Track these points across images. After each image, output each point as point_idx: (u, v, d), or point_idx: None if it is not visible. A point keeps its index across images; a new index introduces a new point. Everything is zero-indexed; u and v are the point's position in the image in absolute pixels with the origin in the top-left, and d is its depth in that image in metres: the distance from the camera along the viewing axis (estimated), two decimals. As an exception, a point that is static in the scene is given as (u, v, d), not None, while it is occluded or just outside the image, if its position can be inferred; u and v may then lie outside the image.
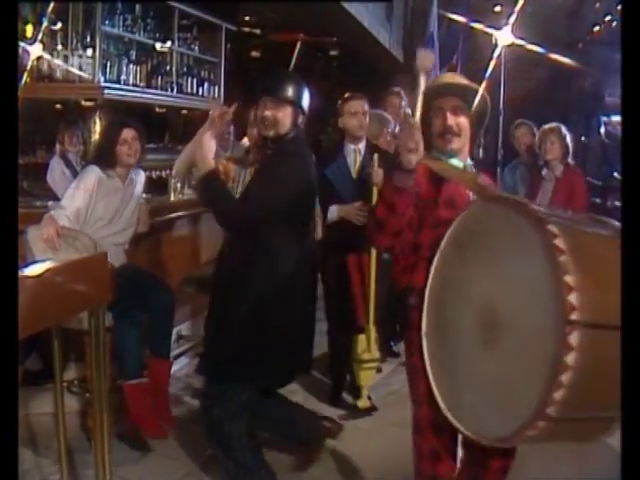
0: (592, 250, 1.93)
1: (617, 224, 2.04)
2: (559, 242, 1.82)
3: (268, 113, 2.95)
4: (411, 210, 2.33)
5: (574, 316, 1.76)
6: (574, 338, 1.76)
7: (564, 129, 4.71)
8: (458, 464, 2.53)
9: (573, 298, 1.77)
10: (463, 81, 2.60)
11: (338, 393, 4.34)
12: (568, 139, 4.70)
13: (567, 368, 1.76)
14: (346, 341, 4.20)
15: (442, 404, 2.20)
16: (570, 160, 4.78)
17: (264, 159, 3.04)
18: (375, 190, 3.76)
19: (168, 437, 3.69)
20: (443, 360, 2.24)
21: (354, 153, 4.12)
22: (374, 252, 3.99)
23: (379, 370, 4.64)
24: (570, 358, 1.75)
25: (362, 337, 4.10)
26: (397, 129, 4.53)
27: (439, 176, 2.41)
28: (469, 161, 2.60)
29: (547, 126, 4.76)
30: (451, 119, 2.49)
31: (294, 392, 4.33)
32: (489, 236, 2.13)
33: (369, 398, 4.23)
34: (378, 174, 3.77)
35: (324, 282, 4.19)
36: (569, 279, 1.78)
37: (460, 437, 2.38)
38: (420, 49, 2.55)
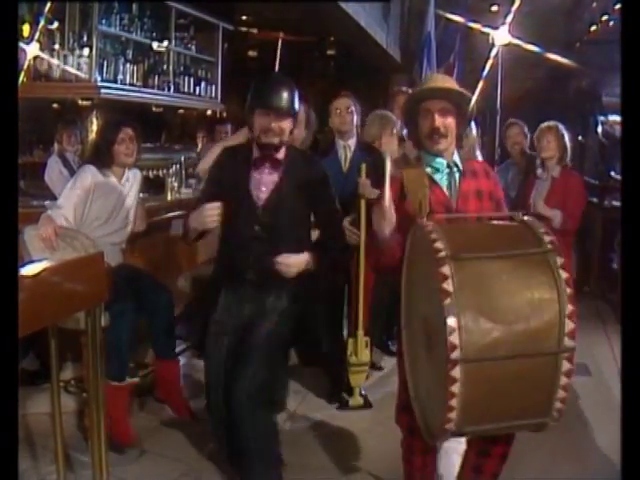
0: (487, 281, 2.11)
1: (547, 239, 2.21)
2: (447, 285, 2.05)
3: (274, 125, 2.96)
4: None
5: (454, 355, 2.01)
6: (456, 372, 2.02)
7: (562, 128, 4.61)
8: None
9: (454, 338, 2.01)
10: (450, 84, 2.72)
11: (336, 391, 4.38)
12: (566, 139, 4.59)
13: (453, 395, 2.04)
14: (340, 342, 4.34)
15: (411, 393, 2.46)
16: (568, 161, 4.65)
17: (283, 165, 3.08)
18: (363, 202, 3.90)
19: (168, 435, 3.69)
20: (411, 353, 2.48)
21: (344, 149, 4.31)
22: (363, 259, 4.04)
23: (379, 368, 4.77)
24: (454, 387, 2.04)
25: (351, 341, 4.20)
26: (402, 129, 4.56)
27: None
28: (455, 157, 2.73)
29: (545, 124, 4.66)
30: (439, 121, 2.62)
31: (297, 391, 4.36)
32: (420, 261, 2.35)
33: (363, 396, 4.30)
34: (365, 185, 3.88)
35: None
36: (451, 321, 2.01)
37: None
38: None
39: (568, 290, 2.13)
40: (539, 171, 4.71)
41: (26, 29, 5.56)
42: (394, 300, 2.65)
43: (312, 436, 3.87)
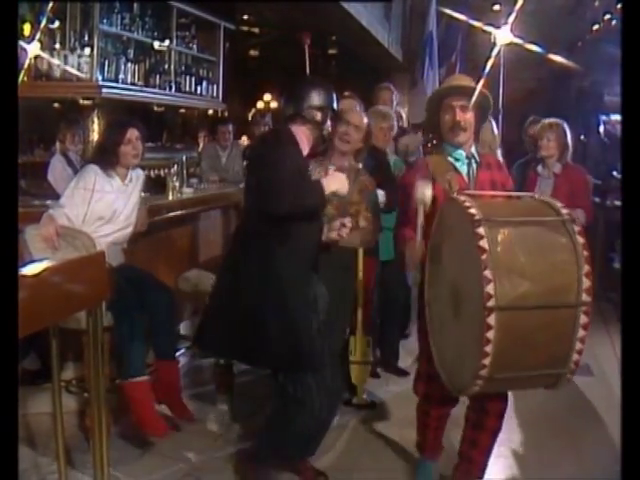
0: (517, 242, 2.41)
1: (564, 211, 2.53)
2: (483, 243, 2.35)
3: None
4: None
5: (490, 303, 2.30)
6: (491, 319, 2.30)
7: (565, 126, 4.52)
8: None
9: (490, 288, 2.30)
10: (470, 83, 3.05)
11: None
12: (568, 137, 4.52)
13: (489, 341, 2.32)
14: (340, 340, 4.30)
15: (436, 359, 2.77)
16: (569, 159, 4.60)
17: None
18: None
19: (169, 436, 3.68)
20: (436, 324, 2.80)
21: None
22: (361, 260, 4.09)
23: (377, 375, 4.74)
24: (490, 333, 2.32)
25: (352, 338, 4.26)
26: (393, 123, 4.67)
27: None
28: (473, 150, 3.07)
29: (547, 121, 4.59)
30: (460, 115, 2.97)
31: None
32: (452, 230, 2.66)
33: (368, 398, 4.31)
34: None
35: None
36: (487, 273, 2.31)
37: None
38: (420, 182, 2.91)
39: (585, 253, 2.42)
40: (539, 168, 4.65)
41: (27, 28, 5.56)
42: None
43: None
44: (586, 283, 2.39)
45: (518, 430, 3.96)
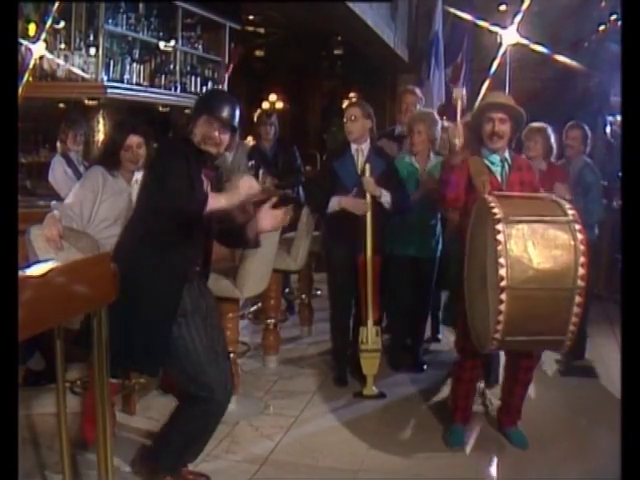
0: (527, 237, 3.07)
1: (570, 212, 3.17)
2: (499, 236, 3.05)
3: None
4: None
5: (503, 283, 3.01)
6: (503, 296, 3.01)
7: (550, 130, 4.78)
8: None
9: (502, 272, 3.01)
10: (508, 100, 3.73)
11: (343, 376, 4.64)
12: (552, 140, 4.78)
13: (500, 312, 3.04)
14: (345, 329, 4.69)
15: (469, 321, 3.47)
16: (553, 159, 4.86)
17: None
18: (368, 196, 4.35)
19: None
20: (471, 295, 3.49)
21: (357, 152, 4.53)
22: (370, 252, 4.36)
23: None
24: (502, 306, 3.03)
25: (362, 328, 4.45)
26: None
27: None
28: (506, 155, 3.71)
29: (534, 125, 4.76)
30: (498, 126, 3.62)
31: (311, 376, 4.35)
32: (482, 222, 3.31)
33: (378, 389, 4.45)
34: (369, 182, 4.33)
35: (329, 273, 4.72)
36: (501, 260, 3.02)
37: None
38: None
39: (582, 247, 3.05)
40: None
41: (32, 28, 5.57)
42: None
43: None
44: (581, 271, 3.03)
45: (525, 431, 3.94)
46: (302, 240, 4.95)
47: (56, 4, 5.50)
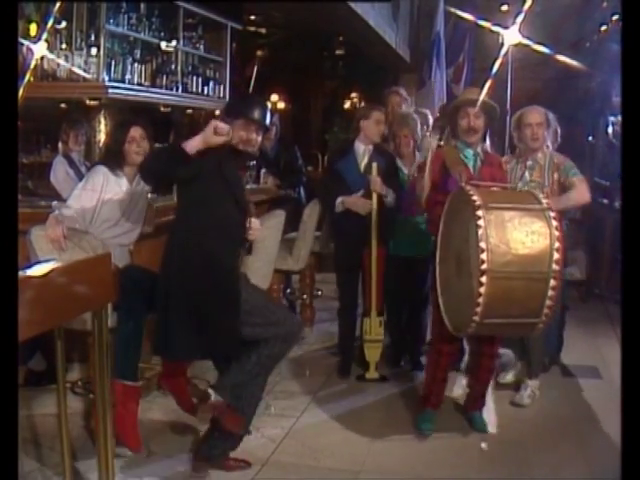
0: (506, 223, 3.19)
1: (545, 201, 3.34)
2: (480, 222, 3.15)
3: None
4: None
5: (483, 266, 3.12)
6: (484, 278, 3.12)
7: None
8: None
9: (483, 256, 3.12)
10: (483, 97, 3.88)
11: (346, 367, 4.83)
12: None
13: (480, 295, 3.14)
14: (351, 322, 4.88)
15: (442, 307, 3.60)
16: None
17: None
18: (375, 195, 4.46)
19: (172, 436, 3.68)
20: (443, 281, 3.62)
21: (364, 152, 4.63)
22: (375, 246, 4.54)
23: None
24: (482, 289, 3.13)
25: (366, 319, 4.71)
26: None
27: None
28: (479, 149, 3.91)
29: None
30: (473, 121, 3.82)
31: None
32: (459, 210, 3.44)
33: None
34: (376, 182, 4.43)
35: (336, 270, 4.88)
36: (482, 244, 3.13)
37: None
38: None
39: (557, 233, 3.21)
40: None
41: (34, 28, 5.56)
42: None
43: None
44: (556, 256, 3.18)
45: (526, 432, 3.95)
46: (304, 240, 4.96)
47: (57, 4, 5.48)
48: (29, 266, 1.94)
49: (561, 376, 4.88)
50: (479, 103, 3.84)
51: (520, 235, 3.18)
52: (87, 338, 3.10)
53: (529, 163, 4.28)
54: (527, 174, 4.28)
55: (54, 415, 3.06)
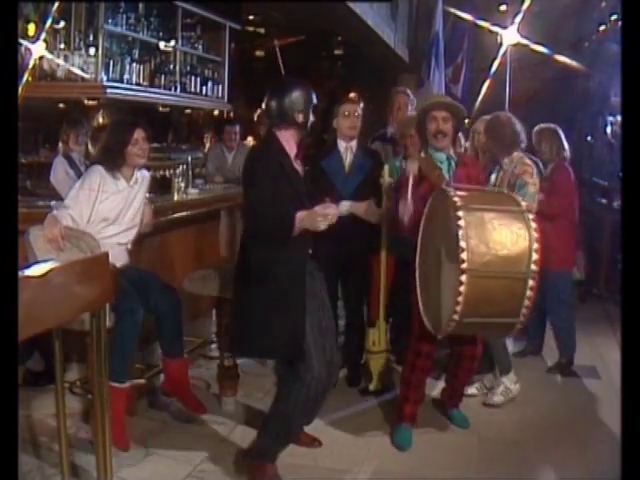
0: (486, 224, 3.19)
1: (524, 203, 3.37)
2: (460, 222, 3.14)
3: None
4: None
5: (463, 266, 3.10)
6: (463, 278, 3.11)
7: (559, 131, 4.91)
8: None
9: (464, 255, 3.10)
10: (450, 100, 4.03)
11: (355, 377, 4.68)
12: (564, 140, 4.89)
13: (460, 294, 3.12)
14: (358, 333, 4.67)
15: (421, 307, 3.59)
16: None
17: None
18: (385, 198, 4.27)
19: (172, 437, 3.68)
20: (423, 281, 3.63)
21: (346, 150, 4.45)
22: (384, 254, 4.41)
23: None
24: (462, 288, 3.11)
25: (373, 330, 4.54)
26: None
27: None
28: (452, 153, 3.88)
29: (544, 126, 4.96)
30: (442, 125, 3.79)
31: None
32: (440, 211, 3.46)
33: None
34: (388, 185, 4.29)
35: (341, 280, 4.57)
36: (462, 244, 3.11)
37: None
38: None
39: (536, 234, 3.21)
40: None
41: (32, 28, 5.56)
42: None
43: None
44: (535, 257, 3.18)
45: (526, 432, 3.95)
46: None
47: (56, 4, 5.49)
48: (27, 266, 1.94)
49: (560, 376, 4.88)
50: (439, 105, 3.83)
51: (500, 236, 3.20)
52: (85, 338, 3.09)
53: (497, 167, 4.32)
54: (492, 177, 4.33)
55: (52, 415, 3.06)
